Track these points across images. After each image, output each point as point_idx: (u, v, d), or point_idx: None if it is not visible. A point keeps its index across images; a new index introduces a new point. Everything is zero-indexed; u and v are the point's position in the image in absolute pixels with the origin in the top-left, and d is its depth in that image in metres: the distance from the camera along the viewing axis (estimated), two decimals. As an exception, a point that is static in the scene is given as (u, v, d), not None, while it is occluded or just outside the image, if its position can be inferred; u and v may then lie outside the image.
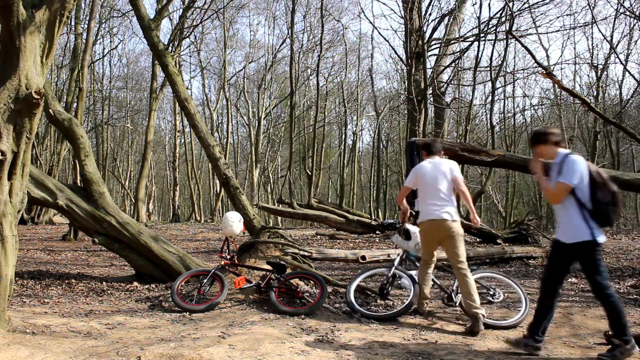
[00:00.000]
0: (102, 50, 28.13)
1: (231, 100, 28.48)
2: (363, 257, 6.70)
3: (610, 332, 3.69)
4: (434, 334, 3.91)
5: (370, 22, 34.07)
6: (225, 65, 26.87)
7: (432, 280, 4.55)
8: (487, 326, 4.04)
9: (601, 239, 3.40)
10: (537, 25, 16.74)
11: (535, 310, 3.56)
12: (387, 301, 4.80)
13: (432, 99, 16.97)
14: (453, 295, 4.51)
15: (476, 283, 4.29)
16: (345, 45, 25.93)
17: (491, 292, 4.74)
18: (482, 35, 14.99)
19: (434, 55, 17.63)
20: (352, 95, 27.26)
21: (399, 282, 4.64)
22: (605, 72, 20.39)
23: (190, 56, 28.24)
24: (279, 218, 25.34)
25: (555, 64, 21.99)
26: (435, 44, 17.22)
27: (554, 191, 3.48)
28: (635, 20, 15.60)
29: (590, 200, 3.42)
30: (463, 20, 18.15)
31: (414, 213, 4.72)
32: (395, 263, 4.68)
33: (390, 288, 4.67)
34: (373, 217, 17.00)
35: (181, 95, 8.19)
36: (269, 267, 5.04)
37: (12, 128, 3.61)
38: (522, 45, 9.88)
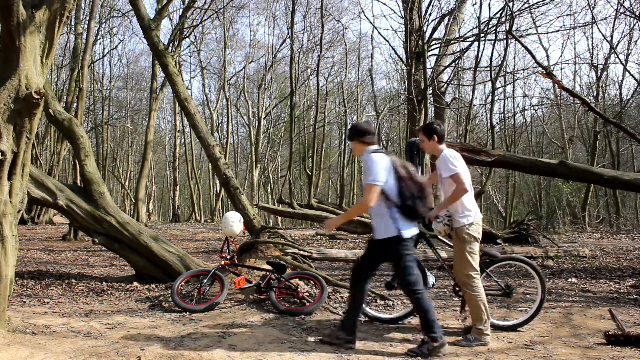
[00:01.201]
0: (102, 50, 28.18)
1: (231, 100, 28.48)
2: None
3: (610, 332, 3.70)
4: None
5: (370, 22, 34.06)
6: (225, 65, 26.88)
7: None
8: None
9: (408, 233, 3.45)
10: (537, 25, 16.73)
11: (348, 307, 3.66)
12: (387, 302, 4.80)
13: (432, 99, 16.96)
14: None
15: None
16: (345, 45, 25.95)
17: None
18: (482, 35, 14.98)
19: (434, 55, 17.63)
20: (352, 95, 27.27)
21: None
22: (605, 72, 20.42)
23: (190, 56, 28.28)
24: (279, 218, 25.33)
25: (555, 64, 22.00)
26: (435, 44, 17.22)
27: (364, 195, 3.43)
28: (635, 20, 15.60)
29: (397, 196, 3.45)
30: (463, 20, 18.15)
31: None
32: None
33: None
34: (373, 217, 16.97)
35: (181, 95, 8.20)
36: (269, 267, 5.04)
37: (12, 128, 3.61)
38: (522, 45, 9.88)
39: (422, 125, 4.16)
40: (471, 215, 3.72)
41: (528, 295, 5.19)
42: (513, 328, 4.06)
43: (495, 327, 3.99)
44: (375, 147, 3.59)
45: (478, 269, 3.72)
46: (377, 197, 3.42)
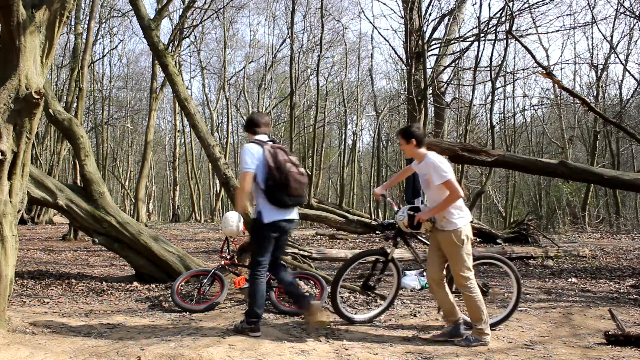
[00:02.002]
0: (102, 50, 28.16)
1: (231, 100, 28.48)
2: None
3: (610, 332, 3.70)
4: (434, 334, 3.90)
5: (370, 22, 34.10)
6: (225, 65, 26.87)
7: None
8: None
9: (268, 218, 3.69)
10: (537, 25, 16.75)
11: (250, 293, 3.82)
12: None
13: (432, 99, 16.97)
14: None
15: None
16: (345, 45, 25.93)
17: None
18: (482, 35, 14.99)
19: (434, 55, 17.64)
20: (352, 95, 27.25)
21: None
22: (605, 72, 20.42)
23: (190, 56, 28.29)
24: (279, 218, 25.28)
25: (555, 64, 22.02)
26: (435, 44, 17.23)
27: (239, 182, 3.80)
28: (635, 20, 15.60)
29: (263, 182, 3.69)
30: (463, 20, 18.16)
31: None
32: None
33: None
34: (373, 217, 17.01)
35: (181, 95, 8.19)
36: (269, 267, 5.04)
37: (12, 128, 3.61)
38: (522, 45, 9.88)
39: (400, 128, 4.15)
40: (465, 216, 3.72)
41: (508, 294, 5.17)
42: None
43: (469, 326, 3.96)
44: (261, 137, 3.90)
45: (472, 270, 3.72)
46: (250, 182, 3.70)
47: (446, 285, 3.84)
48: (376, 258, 4.25)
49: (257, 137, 3.90)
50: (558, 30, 27.81)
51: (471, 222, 3.83)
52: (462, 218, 3.69)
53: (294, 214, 3.88)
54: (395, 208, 4.27)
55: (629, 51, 20.01)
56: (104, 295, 5.51)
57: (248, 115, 3.96)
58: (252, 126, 3.95)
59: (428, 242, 3.99)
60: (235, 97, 30.32)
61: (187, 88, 11.80)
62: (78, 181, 13.49)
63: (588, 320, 4.38)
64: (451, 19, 16.33)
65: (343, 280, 4.25)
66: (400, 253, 7.42)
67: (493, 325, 3.96)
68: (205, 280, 4.94)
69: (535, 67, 17.26)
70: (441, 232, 3.72)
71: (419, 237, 4.32)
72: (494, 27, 14.80)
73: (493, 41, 15.53)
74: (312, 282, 5.16)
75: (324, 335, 3.83)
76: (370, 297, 4.93)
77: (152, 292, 5.62)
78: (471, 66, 17.19)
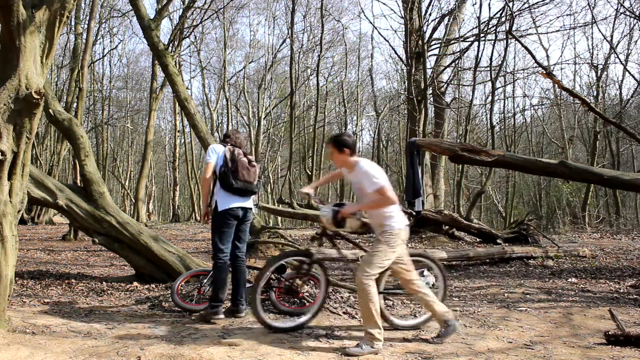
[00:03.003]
0: (102, 50, 28.15)
1: (231, 100, 28.47)
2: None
3: (610, 332, 3.70)
4: (434, 334, 3.90)
5: (370, 22, 34.13)
6: (225, 65, 26.86)
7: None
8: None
9: (223, 206, 4.20)
10: (537, 25, 16.76)
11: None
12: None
13: (432, 99, 16.98)
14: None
15: None
16: (345, 45, 25.95)
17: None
18: (482, 35, 15.00)
19: (434, 55, 17.66)
20: (352, 95, 27.26)
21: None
22: (605, 72, 20.41)
23: (190, 56, 28.27)
24: (279, 218, 25.33)
25: (555, 64, 22.03)
26: (435, 44, 17.24)
27: (203, 172, 4.37)
28: (635, 20, 15.60)
29: (218, 171, 4.27)
30: (463, 20, 18.18)
31: None
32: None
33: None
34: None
35: (181, 95, 8.21)
36: (268, 267, 5.03)
37: (12, 128, 3.61)
38: (522, 45, 9.87)
39: (330, 136, 4.04)
40: (399, 221, 3.64)
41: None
42: (414, 327, 4.00)
43: (397, 327, 3.96)
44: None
45: (377, 275, 3.57)
46: (210, 171, 4.29)
47: (421, 287, 3.73)
48: (300, 260, 4.06)
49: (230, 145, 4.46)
50: (558, 30, 27.84)
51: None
52: (396, 223, 3.61)
53: (248, 203, 4.33)
54: (321, 206, 4.16)
55: (629, 51, 20.02)
56: (104, 295, 5.50)
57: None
58: (225, 138, 4.60)
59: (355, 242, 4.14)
60: (235, 97, 30.33)
61: (187, 88, 11.80)
62: (78, 181, 13.49)
63: (588, 320, 4.38)
64: (451, 19, 16.34)
65: (286, 281, 4.44)
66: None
67: (420, 325, 4.00)
68: (205, 280, 4.94)
69: (535, 67, 17.28)
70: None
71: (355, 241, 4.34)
72: (494, 27, 14.81)
73: (493, 41, 15.55)
74: (312, 282, 5.15)
75: (324, 335, 3.83)
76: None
77: (152, 292, 5.62)
78: (471, 66, 17.19)
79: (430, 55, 17.22)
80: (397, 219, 3.64)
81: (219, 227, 4.24)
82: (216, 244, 4.24)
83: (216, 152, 4.34)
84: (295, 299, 4.79)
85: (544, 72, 9.11)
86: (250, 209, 4.38)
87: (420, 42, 14.99)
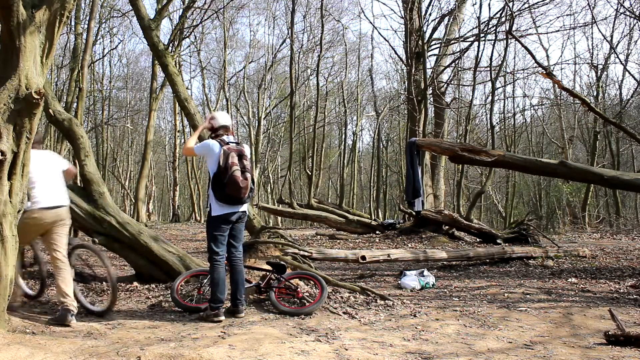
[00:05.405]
0: (102, 50, 28.06)
1: (231, 100, 28.45)
2: (363, 257, 6.70)
3: (610, 332, 3.70)
4: (434, 334, 3.91)
5: (370, 22, 34.18)
6: (225, 65, 26.84)
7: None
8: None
9: (216, 212, 4.26)
10: (537, 25, 16.77)
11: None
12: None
13: (432, 99, 16.98)
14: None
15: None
16: (345, 45, 25.94)
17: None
18: (482, 35, 15.01)
19: (434, 55, 17.66)
20: (352, 95, 27.26)
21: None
22: (605, 72, 20.41)
23: (190, 56, 28.24)
24: (279, 218, 25.33)
25: (555, 64, 22.04)
26: (435, 44, 17.25)
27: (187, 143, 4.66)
28: (635, 20, 15.60)
29: (211, 180, 4.32)
30: (463, 20, 18.18)
31: None
32: None
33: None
34: (373, 217, 17.01)
35: (181, 95, 8.20)
36: (269, 267, 5.04)
37: (12, 128, 3.61)
38: (522, 45, 9.87)
39: None
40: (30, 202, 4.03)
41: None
42: (101, 314, 4.39)
43: (88, 311, 4.42)
44: (228, 138, 4.49)
45: None
46: (191, 147, 4.59)
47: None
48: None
49: (224, 137, 4.43)
50: (558, 31, 27.80)
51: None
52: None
53: (242, 207, 4.38)
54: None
55: (629, 51, 20.01)
56: (104, 295, 5.50)
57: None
58: (216, 131, 4.58)
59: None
60: (235, 97, 30.30)
61: (187, 88, 11.80)
62: (78, 181, 13.49)
63: (588, 320, 4.38)
64: (451, 19, 16.35)
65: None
66: (400, 253, 7.42)
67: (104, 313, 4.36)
68: (205, 280, 4.94)
69: (535, 67, 17.28)
70: None
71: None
72: (494, 27, 14.82)
73: (493, 41, 15.55)
74: (312, 282, 5.16)
75: (324, 335, 3.83)
76: (368, 298, 4.89)
77: (152, 292, 5.61)
78: (471, 66, 17.19)
79: (430, 55, 17.23)
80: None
81: (213, 231, 4.34)
82: (211, 247, 4.36)
83: (210, 150, 4.35)
84: (296, 299, 4.80)
85: (544, 72, 9.12)
86: (245, 211, 4.46)
87: (420, 42, 14.99)
